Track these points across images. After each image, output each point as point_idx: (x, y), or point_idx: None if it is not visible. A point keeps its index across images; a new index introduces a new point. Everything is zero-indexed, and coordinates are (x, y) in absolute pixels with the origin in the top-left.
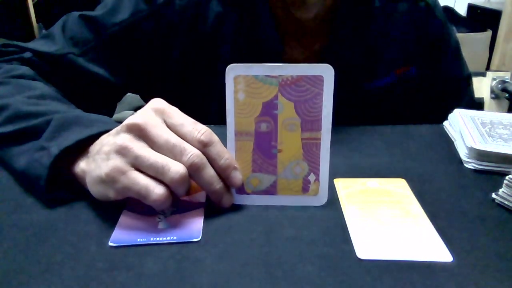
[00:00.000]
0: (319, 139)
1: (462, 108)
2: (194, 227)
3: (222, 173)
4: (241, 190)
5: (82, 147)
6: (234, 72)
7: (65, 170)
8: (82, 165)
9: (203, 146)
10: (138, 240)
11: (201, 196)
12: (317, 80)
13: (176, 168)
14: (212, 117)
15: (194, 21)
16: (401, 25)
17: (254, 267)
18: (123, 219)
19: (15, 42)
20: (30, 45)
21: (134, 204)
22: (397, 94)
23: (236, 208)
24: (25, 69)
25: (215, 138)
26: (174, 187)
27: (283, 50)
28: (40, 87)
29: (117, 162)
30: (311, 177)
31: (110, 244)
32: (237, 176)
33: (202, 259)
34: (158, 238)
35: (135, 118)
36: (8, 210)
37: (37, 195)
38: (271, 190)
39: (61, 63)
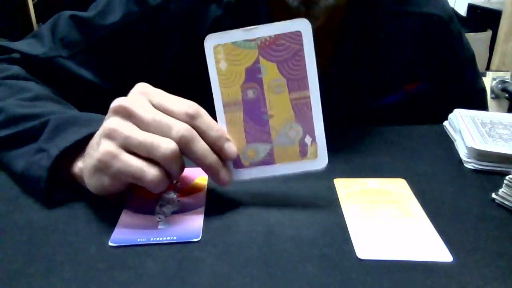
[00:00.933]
0: (308, 97)
1: None
2: (194, 227)
3: (215, 146)
4: (238, 164)
5: (80, 147)
6: (212, 42)
7: (64, 171)
8: (79, 164)
9: (191, 119)
10: (138, 240)
11: (200, 196)
12: (296, 37)
13: (166, 144)
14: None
15: (189, 25)
16: (412, 40)
17: (254, 267)
18: (123, 219)
19: (2, 43)
20: (18, 46)
21: (134, 204)
22: (404, 110)
23: (236, 207)
24: (16, 69)
25: (203, 110)
26: (167, 164)
27: None
28: (33, 87)
29: (106, 146)
30: (307, 139)
31: (110, 244)
32: (231, 147)
33: (202, 259)
34: (158, 238)
35: (120, 100)
36: (8, 210)
37: (37, 197)
38: (268, 160)
39: (49, 66)
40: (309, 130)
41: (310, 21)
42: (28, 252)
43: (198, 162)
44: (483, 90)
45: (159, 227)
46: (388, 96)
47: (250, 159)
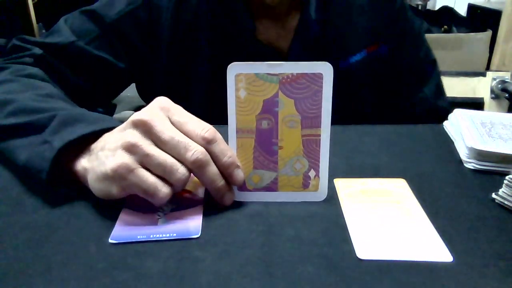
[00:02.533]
0: (319, 135)
1: (432, 90)
2: (194, 223)
3: (225, 171)
4: (242, 186)
5: (84, 144)
6: (236, 70)
7: (66, 167)
8: (84, 163)
9: (206, 143)
10: (138, 237)
11: (200, 193)
12: (317, 78)
13: (183, 170)
14: (195, 106)
15: (177, 11)
16: (366, 4)
17: (254, 267)
18: (123, 216)
19: (24, 36)
20: (38, 39)
21: (133, 202)
22: (370, 72)
23: (236, 207)
24: (35, 70)
25: (219, 136)
26: (177, 186)
27: (257, 29)
28: (48, 87)
29: (125, 159)
30: (311, 173)
31: (110, 241)
32: (239, 174)
33: (202, 259)
34: (158, 235)
35: (141, 114)
36: (8, 210)
37: (39, 185)
38: (272, 187)
39: (70, 51)
40: (315, 165)
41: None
42: (28, 252)
43: (206, 184)
44: (435, 61)
45: (158, 224)
46: (353, 55)
47: (255, 184)
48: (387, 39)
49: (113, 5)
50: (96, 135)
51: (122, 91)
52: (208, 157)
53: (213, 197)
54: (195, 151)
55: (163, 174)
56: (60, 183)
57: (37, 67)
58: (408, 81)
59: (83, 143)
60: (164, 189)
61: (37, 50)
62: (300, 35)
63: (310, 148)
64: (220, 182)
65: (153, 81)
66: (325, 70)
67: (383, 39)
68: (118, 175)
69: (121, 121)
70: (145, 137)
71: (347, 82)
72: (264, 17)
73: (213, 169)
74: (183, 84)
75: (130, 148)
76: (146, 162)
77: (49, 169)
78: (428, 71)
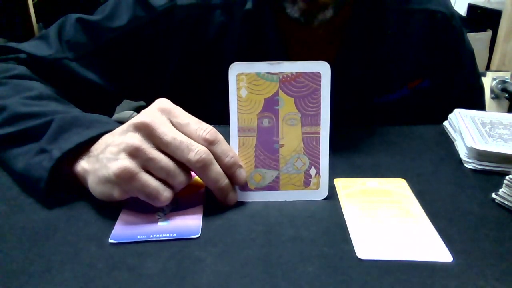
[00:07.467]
0: (319, 133)
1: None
2: (194, 223)
3: (227, 171)
4: (244, 186)
5: (83, 147)
6: (237, 70)
7: (65, 170)
8: (84, 165)
9: (208, 144)
10: (138, 237)
11: (199, 193)
12: (315, 77)
13: (186, 174)
14: (212, 118)
15: (195, 31)
16: (416, 37)
17: (254, 267)
18: (123, 216)
19: (10, 44)
20: (26, 47)
21: (133, 202)
22: (407, 107)
23: (236, 207)
24: (21, 69)
25: (220, 136)
26: (178, 189)
27: (290, 57)
28: (38, 87)
29: (127, 163)
30: (312, 171)
31: (110, 241)
32: (242, 174)
33: (202, 259)
34: (157, 235)
35: (142, 117)
36: (8, 210)
37: (35, 196)
38: (273, 186)
39: (55, 68)
40: (315, 163)
41: (310, 30)
42: (28, 252)
43: (210, 184)
44: (482, 88)
45: (158, 224)
46: (392, 93)
47: (256, 183)
48: (433, 74)
49: (113, 20)
50: (94, 138)
51: (110, 110)
52: (211, 156)
53: (216, 197)
54: (198, 150)
55: (165, 178)
56: (57, 189)
57: (23, 66)
58: (451, 109)
59: (82, 147)
60: (166, 193)
61: (23, 55)
62: (337, 70)
63: (310, 146)
64: (224, 181)
65: (151, 96)
66: (323, 69)
67: (429, 74)
68: (121, 180)
69: (120, 122)
70: (147, 140)
71: (379, 116)
72: (298, 44)
73: (216, 168)
74: (192, 98)
75: (133, 152)
76: (148, 166)
77: (48, 178)
78: (475, 99)
